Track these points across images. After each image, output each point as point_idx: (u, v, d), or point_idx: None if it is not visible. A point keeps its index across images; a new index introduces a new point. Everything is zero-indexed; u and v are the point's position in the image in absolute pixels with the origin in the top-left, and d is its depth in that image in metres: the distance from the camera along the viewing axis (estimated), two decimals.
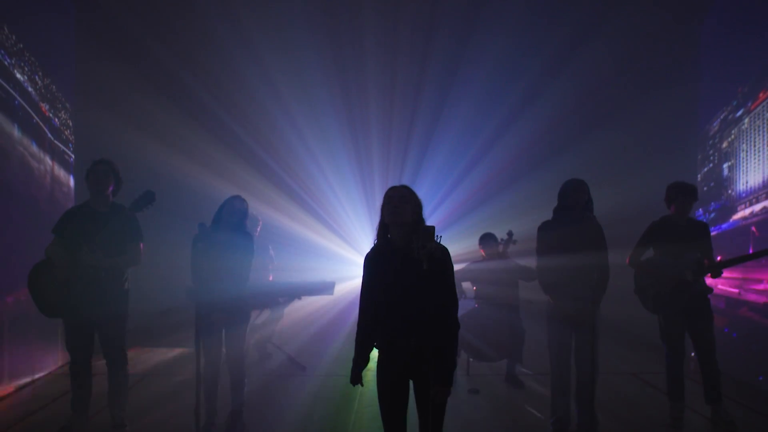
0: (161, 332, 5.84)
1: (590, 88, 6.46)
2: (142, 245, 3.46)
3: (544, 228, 3.49)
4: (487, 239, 4.80)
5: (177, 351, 5.59)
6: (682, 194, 3.62)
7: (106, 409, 3.52)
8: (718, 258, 3.78)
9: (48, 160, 5.26)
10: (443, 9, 6.44)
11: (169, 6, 6.19)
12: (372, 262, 2.31)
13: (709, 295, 3.68)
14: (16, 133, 4.70)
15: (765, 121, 5.01)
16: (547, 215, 3.56)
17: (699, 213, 6.09)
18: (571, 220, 3.37)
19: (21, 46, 4.80)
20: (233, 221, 3.49)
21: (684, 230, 3.64)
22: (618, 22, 6.17)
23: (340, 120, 6.91)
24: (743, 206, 5.44)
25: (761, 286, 5.05)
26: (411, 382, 2.28)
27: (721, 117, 5.77)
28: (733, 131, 5.69)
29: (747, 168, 5.36)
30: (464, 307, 4.85)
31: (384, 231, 2.31)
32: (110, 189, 3.41)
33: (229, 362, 3.51)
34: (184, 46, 6.39)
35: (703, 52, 6.20)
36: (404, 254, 2.18)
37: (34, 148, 5.01)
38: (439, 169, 7.03)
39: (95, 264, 3.23)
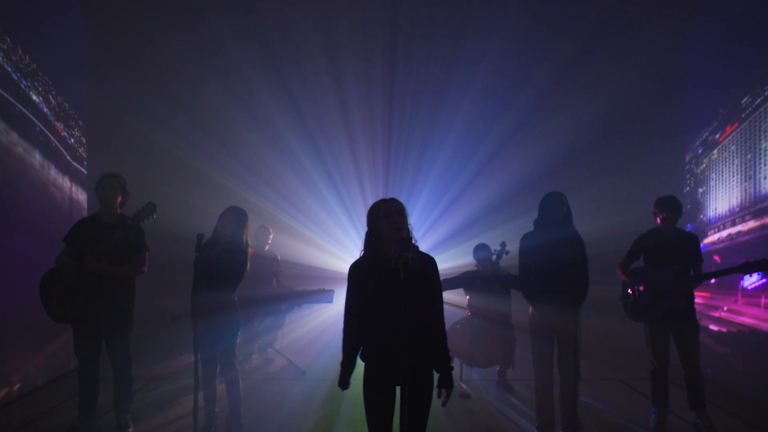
0: (168, 338, 6.00)
1: (583, 109, 6.61)
2: (147, 254, 3.63)
3: (525, 239, 3.61)
4: (480, 250, 4.91)
5: (182, 356, 5.75)
6: (667, 209, 3.73)
7: (112, 411, 3.68)
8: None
9: (67, 181, 5.48)
10: (440, 26, 6.67)
11: (176, 27, 6.44)
12: (362, 273, 2.28)
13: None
14: (38, 159, 4.93)
15: (731, 153, 5.35)
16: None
17: None
18: (552, 231, 3.48)
19: (35, 66, 5.00)
20: (229, 232, 3.64)
21: (670, 242, 3.74)
22: (609, 44, 6.36)
23: (337, 137, 7.15)
24: (712, 231, 5.72)
25: (717, 314, 5.26)
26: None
27: (703, 137, 6.00)
28: (704, 160, 6.00)
29: (716, 196, 5.69)
30: (458, 315, 5.02)
31: (375, 242, 2.28)
32: (117, 201, 3.59)
33: (222, 370, 3.66)
34: (190, 64, 6.64)
35: (690, 72, 6.35)
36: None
37: (54, 173, 5.22)
38: (437, 183, 7.22)
39: (101, 272, 3.40)
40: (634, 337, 4.24)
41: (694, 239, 3.83)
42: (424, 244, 7.14)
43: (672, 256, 3.69)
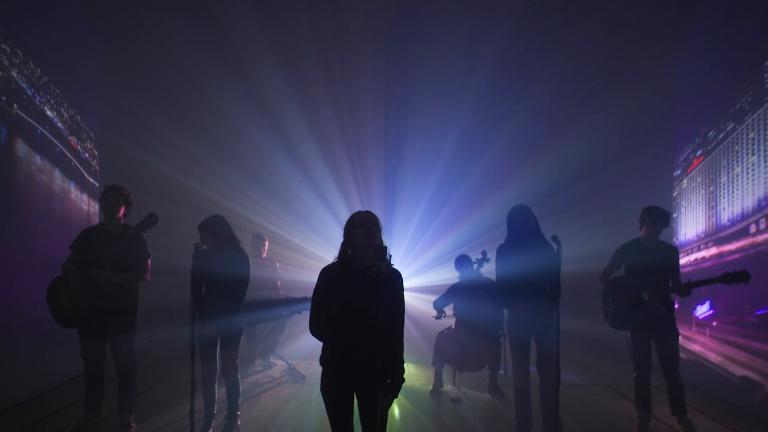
0: (177, 342, 6.16)
1: (575, 133, 6.69)
2: (149, 262, 3.80)
3: (500, 250, 3.77)
4: (462, 261, 5.07)
5: (186, 360, 5.90)
6: (653, 218, 3.80)
7: (116, 411, 3.83)
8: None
9: (85, 197, 5.67)
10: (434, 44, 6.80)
11: (186, 42, 6.62)
12: (332, 277, 2.37)
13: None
14: (58, 178, 5.11)
15: (698, 184, 5.80)
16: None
17: None
18: (524, 242, 3.62)
19: (46, 79, 5.18)
20: (222, 237, 3.80)
21: (652, 252, 3.82)
22: (603, 67, 6.49)
23: (331, 149, 7.33)
24: (682, 255, 6.01)
25: None
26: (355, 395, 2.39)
27: (684, 155, 6.24)
28: (677, 187, 6.38)
29: (685, 222, 6.10)
30: (445, 324, 5.14)
31: (349, 250, 2.40)
32: (121, 212, 3.76)
33: (223, 372, 3.83)
34: (200, 77, 6.83)
35: (678, 91, 6.46)
36: (365, 273, 2.28)
37: (74, 192, 5.42)
38: (432, 198, 7.37)
39: (105, 279, 3.57)
40: (624, 344, 4.31)
41: (674, 251, 3.92)
42: (421, 258, 7.32)
43: (652, 267, 3.77)
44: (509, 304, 3.75)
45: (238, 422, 3.83)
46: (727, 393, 4.80)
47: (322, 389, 2.40)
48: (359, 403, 2.40)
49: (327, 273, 2.40)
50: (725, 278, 3.47)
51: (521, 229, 3.64)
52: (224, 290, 3.71)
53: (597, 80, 6.60)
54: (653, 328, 3.78)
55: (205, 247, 3.76)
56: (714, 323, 5.15)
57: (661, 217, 3.80)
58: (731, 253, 4.95)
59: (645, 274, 3.78)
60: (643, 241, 3.88)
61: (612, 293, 3.94)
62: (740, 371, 4.72)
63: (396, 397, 2.35)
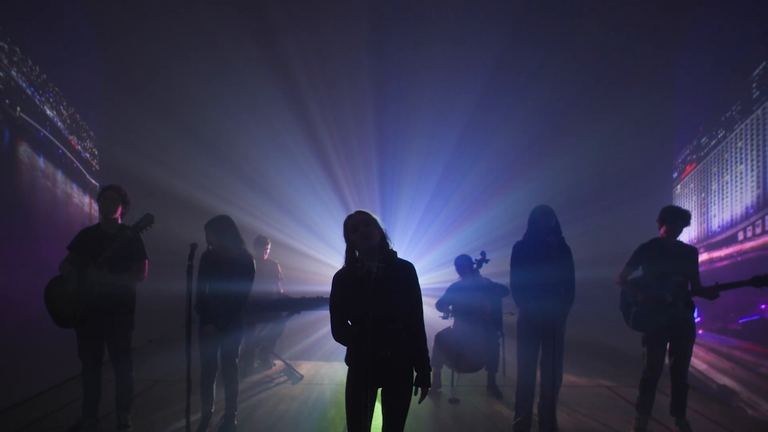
0: (178, 343, 6.18)
1: (577, 134, 6.72)
2: (146, 263, 3.82)
3: (517, 248, 3.77)
4: (461, 261, 5.11)
5: (184, 360, 5.90)
6: (674, 217, 3.77)
7: (114, 411, 3.86)
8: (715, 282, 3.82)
9: (87, 198, 5.69)
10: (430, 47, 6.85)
11: (186, 43, 6.63)
12: (343, 282, 2.41)
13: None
14: (60, 180, 5.13)
15: (690, 190, 5.93)
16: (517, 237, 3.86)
17: None
18: (541, 242, 3.58)
19: (45, 77, 5.20)
20: (228, 237, 3.84)
21: (671, 252, 3.79)
22: (603, 73, 6.52)
23: (330, 149, 7.37)
24: None
25: None
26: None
27: (682, 157, 6.31)
28: (674, 187, 6.47)
29: None
30: (443, 324, 5.19)
31: (353, 254, 2.43)
32: (118, 212, 3.78)
33: (222, 372, 3.87)
34: (201, 77, 6.84)
35: (678, 87, 6.50)
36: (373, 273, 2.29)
37: (76, 193, 5.44)
38: (430, 203, 7.41)
39: (102, 280, 3.59)
40: (626, 346, 4.33)
41: (694, 252, 3.88)
42: (421, 260, 7.37)
43: (672, 268, 3.76)
44: (522, 302, 3.73)
45: (236, 422, 3.87)
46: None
47: (347, 388, 2.43)
48: (383, 400, 2.44)
49: (338, 279, 2.45)
50: (756, 281, 3.41)
51: (541, 230, 3.62)
52: (227, 291, 3.75)
53: (597, 81, 6.59)
54: (675, 330, 3.75)
55: (210, 246, 3.81)
56: (700, 331, 5.23)
57: (681, 216, 3.78)
58: (720, 259, 5.03)
59: (666, 276, 3.76)
60: (663, 242, 3.85)
61: (631, 294, 3.89)
62: (722, 379, 4.80)
63: (430, 386, 2.44)
